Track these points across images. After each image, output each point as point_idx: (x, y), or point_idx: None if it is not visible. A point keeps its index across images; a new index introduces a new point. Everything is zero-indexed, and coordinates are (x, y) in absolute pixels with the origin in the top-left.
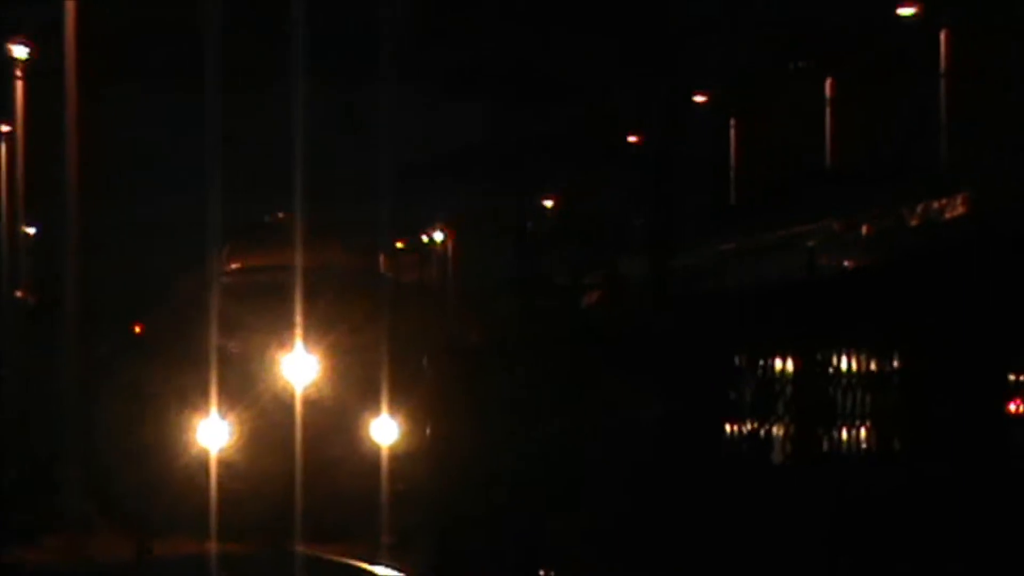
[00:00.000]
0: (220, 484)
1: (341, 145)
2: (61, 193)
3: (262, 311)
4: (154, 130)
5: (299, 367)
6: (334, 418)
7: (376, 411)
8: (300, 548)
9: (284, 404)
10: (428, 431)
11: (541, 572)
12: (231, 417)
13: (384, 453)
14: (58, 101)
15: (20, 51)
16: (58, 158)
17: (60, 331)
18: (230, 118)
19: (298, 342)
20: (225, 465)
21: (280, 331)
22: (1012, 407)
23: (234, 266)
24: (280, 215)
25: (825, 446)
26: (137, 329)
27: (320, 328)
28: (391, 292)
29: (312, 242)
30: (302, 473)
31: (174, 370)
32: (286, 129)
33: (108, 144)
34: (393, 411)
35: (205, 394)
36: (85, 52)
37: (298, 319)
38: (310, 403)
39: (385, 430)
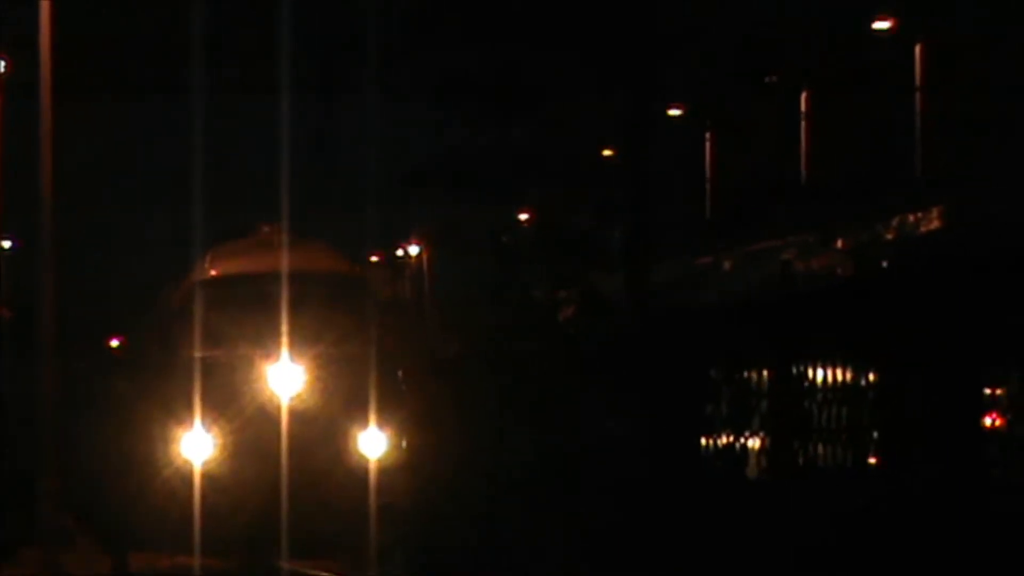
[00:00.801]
0: (203, 497)
1: (313, 158)
2: (36, 206)
3: (245, 319)
4: (129, 142)
5: (284, 377)
6: (320, 430)
7: (363, 423)
8: (284, 563)
9: (269, 415)
10: (405, 443)
11: None
12: (214, 429)
13: (370, 465)
14: (33, 113)
15: None
16: (33, 170)
17: (36, 344)
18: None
19: (283, 351)
20: (208, 478)
21: (264, 340)
22: (987, 420)
23: (215, 273)
24: (264, 226)
25: (801, 460)
26: (115, 342)
27: (306, 337)
28: (376, 301)
29: (296, 247)
30: (287, 486)
31: (154, 382)
32: (258, 140)
33: (85, 156)
34: (380, 423)
35: (187, 406)
36: (60, 64)
37: (283, 328)
38: (295, 414)
39: (372, 442)
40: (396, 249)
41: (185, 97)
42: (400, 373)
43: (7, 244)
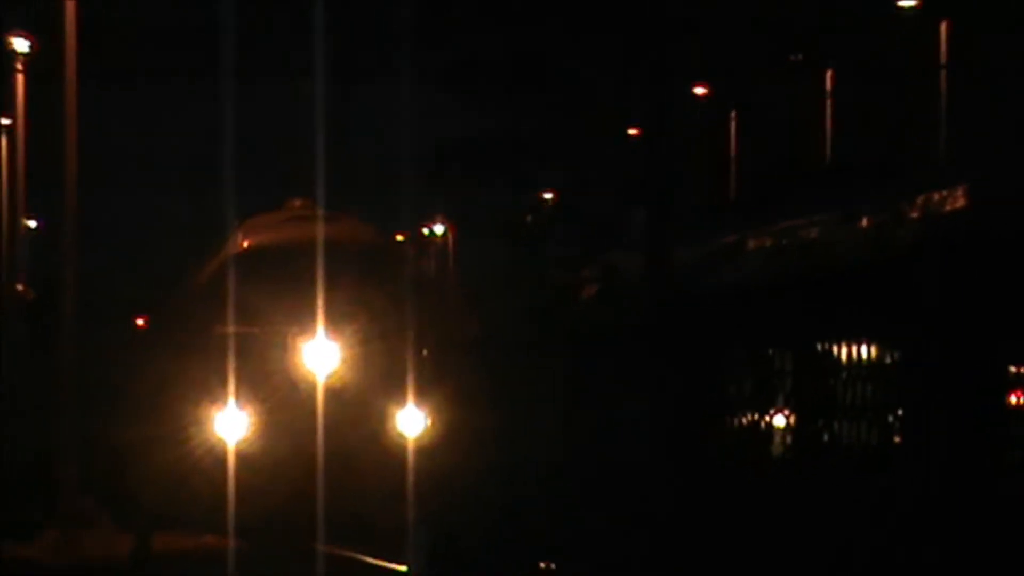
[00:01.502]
0: (237, 477)
1: (339, 140)
2: (61, 186)
3: (279, 293)
4: (153, 125)
5: (320, 354)
6: (357, 408)
7: (401, 401)
8: (320, 545)
9: (304, 393)
10: (429, 425)
11: (542, 565)
12: (247, 407)
13: (409, 445)
14: (58, 94)
15: (21, 44)
16: (58, 151)
17: (58, 323)
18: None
19: (319, 327)
20: (242, 457)
21: (299, 315)
22: (1012, 399)
23: (247, 245)
24: (295, 200)
25: (825, 438)
26: (140, 321)
27: (342, 312)
28: (413, 275)
29: (330, 220)
30: (322, 466)
31: (184, 359)
32: (287, 124)
33: (110, 138)
34: (418, 402)
35: (218, 384)
36: (86, 46)
37: (318, 302)
38: (331, 392)
39: (411, 421)
40: (421, 229)
41: (209, 80)
42: (424, 352)
43: (33, 224)
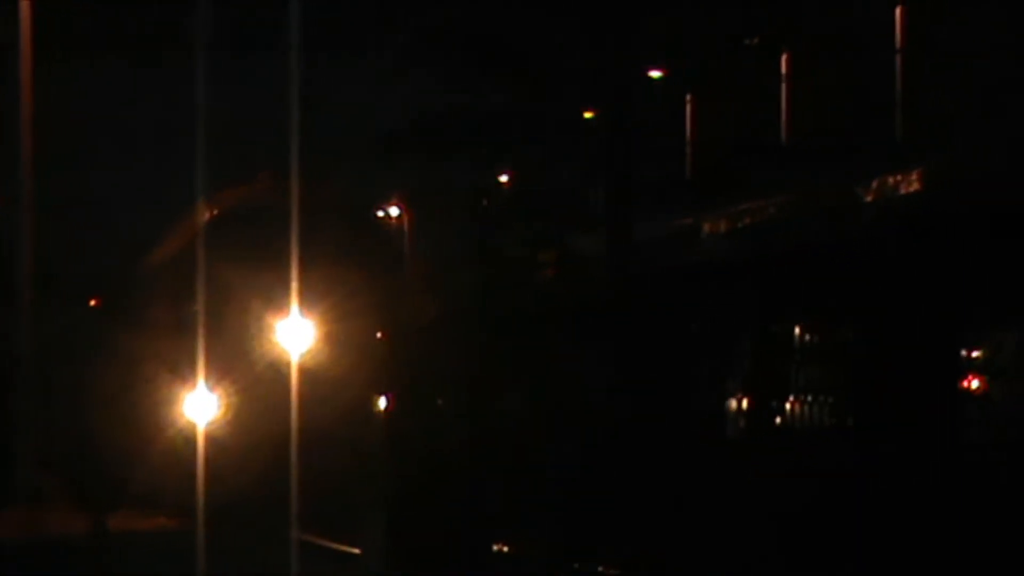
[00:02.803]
0: (207, 460)
1: (289, 119)
2: (16, 165)
3: (250, 267)
4: (113, 100)
5: (294, 333)
6: (332, 389)
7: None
8: (295, 533)
9: (277, 373)
10: (384, 405)
11: (495, 547)
12: (218, 388)
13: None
14: (12, 72)
15: None
16: (13, 130)
17: (14, 301)
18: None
19: (292, 302)
20: (212, 440)
21: (270, 290)
22: (967, 383)
23: (217, 213)
24: (264, 174)
25: (778, 420)
26: (94, 301)
27: (317, 286)
28: (392, 247)
29: (307, 188)
30: (296, 450)
31: (150, 338)
32: (243, 101)
33: (66, 115)
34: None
35: (187, 363)
36: (42, 21)
37: (293, 275)
38: (306, 373)
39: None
40: (376, 211)
41: (165, 56)
42: (379, 334)
43: None
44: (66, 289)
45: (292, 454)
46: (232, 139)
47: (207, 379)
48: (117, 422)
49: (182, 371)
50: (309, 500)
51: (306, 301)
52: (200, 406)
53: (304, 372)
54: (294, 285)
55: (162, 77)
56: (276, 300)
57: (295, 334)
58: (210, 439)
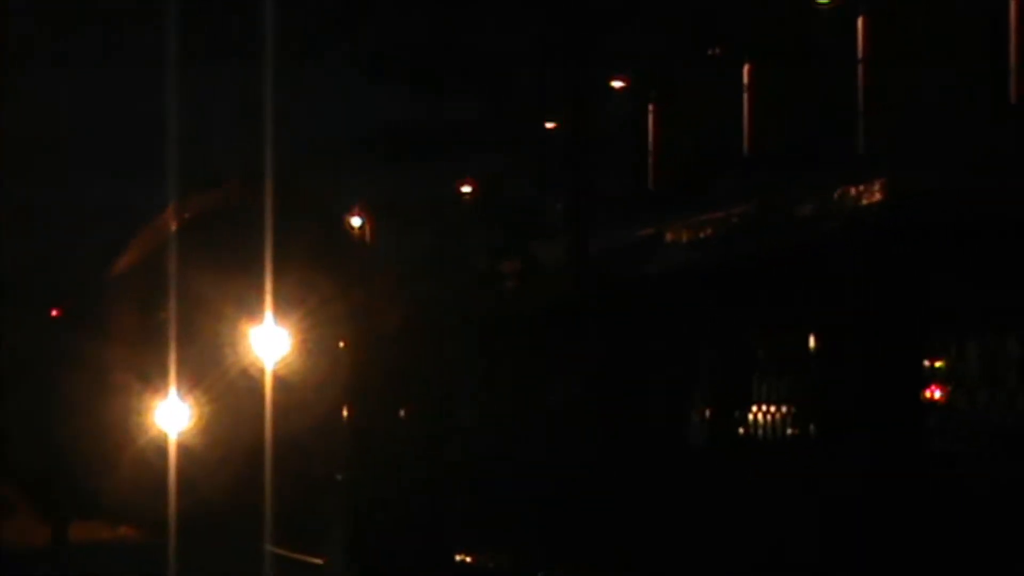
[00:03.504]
0: (178, 470)
1: (245, 129)
2: None
3: (222, 271)
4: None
5: (267, 341)
6: (304, 398)
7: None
8: (267, 546)
9: (250, 382)
10: (347, 416)
11: (458, 557)
12: (189, 397)
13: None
14: None
15: None
16: None
17: None
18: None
19: (266, 312)
20: (184, 449)
21: (243, 296)
22: (930, 393)
23: (188, 217)
24: (231, 181)
25: (741, 431)
26: (55, 312)
27: (290, 292)
28: (362, 252)
29: (281, 193)
30: (269, 461)
31: (113, 347)
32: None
33: (24, 125)
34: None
35: (154, 371)
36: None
37: (267, 283)
38: (279, 382)
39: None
40: (340, 217)
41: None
42: (341, 344)
43: None
44: (26, 299)
45: (267, 464)
46: (195, 147)
47: (179, 387)
48: (81, 431)
49: (152, 379)
50: (278, 510)
51: (280, 307)
52: (172, 415)
53: (278, 380)
54: (267, 291)
55: (123, 86)
56: (248, 306)
57: (269, 341)
58: (182, 448)
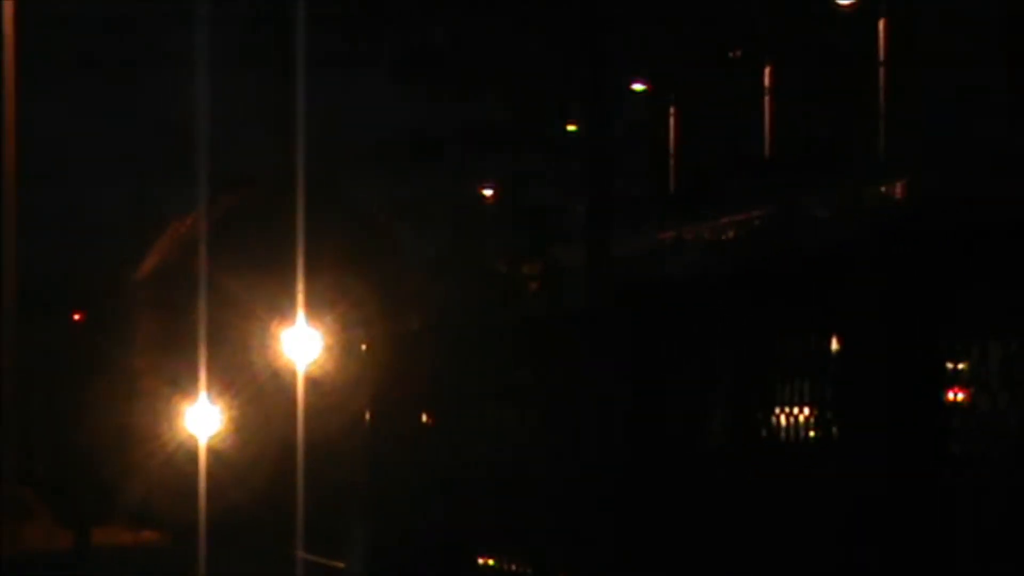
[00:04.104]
0: (209, 476)
1: (268, 133)
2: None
3: (255, 273)
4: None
5: (300, 344)
6: (338, 402)
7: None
8: (300, 552)
9: (280, 386)
10: (368, 419)
11: (480, 561)
12: (219, 401)
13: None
14: None
15: None
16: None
17: None
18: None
19: (298, 313)
20: (214, 454)
21: (277, 297)
22: (952, 395)
23: (224, 211)
24: (264, 177)
25: (764, 433)
26: (77, 315)
27: (324, 295)
28: (400, 257)
29: (316, 192)
30: (302, 465)
31: (136, 352)
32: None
33: (48, 128)
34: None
35: (188, 376)
36: (26, 41)
37: (298, 284)
38: (312, 384)
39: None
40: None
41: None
42: (363, 346)
43: None
44: (48, 303)
45: (298, 469)
46: (219, 150)
47: (208, 391)
48: (103, 436)
49: (181, 383)
50: (306, 515)
51: (312, 308)
52: (202, 419)
53: (310, 383)
54: (299, 292)
55: (141, 94)
56: (279, 307)
57: (301, 343)
58: (211, 452)
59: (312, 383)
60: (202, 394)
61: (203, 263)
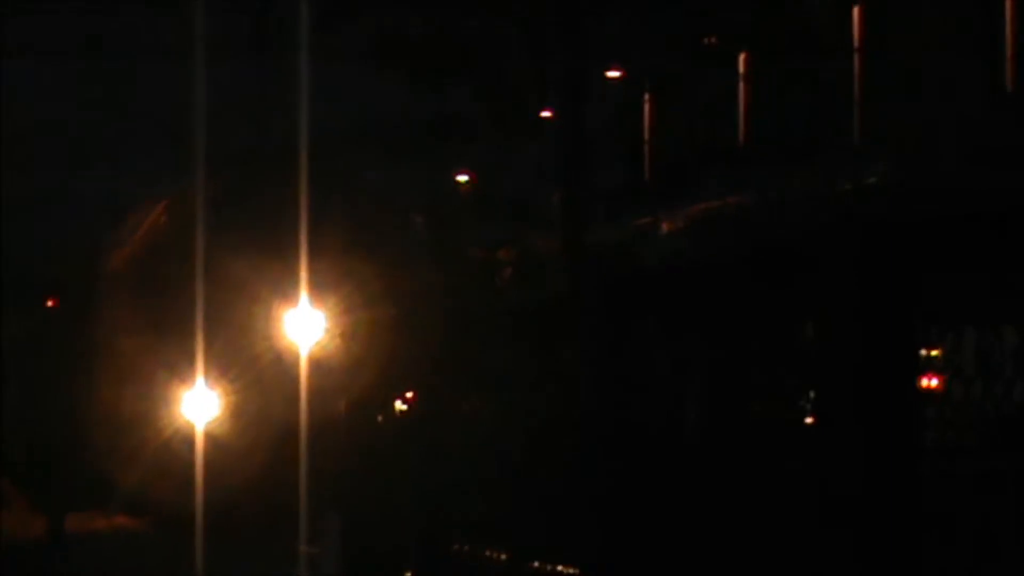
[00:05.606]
0: (206, 462)
1: (243, 120)
2: None
3: (257, 247)
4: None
5: (303, 324)
6: (341, 384)
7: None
8: (303, 546)
9: (282, 368)
10: (344, 407)
11: (455, 547)
12: (218, 386)
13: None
14: None
15: None
16: None
17: None
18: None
19: (301, 295)
20: (211, 440)
21: (278, 277)
22: (925, 382)
23: (223, 188)
24: (266, 153)
25: (737, 419)
26: (51, 302)
27: (327, 276)
28: (411, 236)
29: (322, 170)
30: (305, 452)
31: (140, 334)
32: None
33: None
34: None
35: (184, 359)
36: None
37: (302, 264)
38: (316, 367)
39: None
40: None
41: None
42: (340, 335)
43: None
44: (22, 289)
45: (301, 456)
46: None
47: (206, 375)
48: (79, 422)
49: (174, 367)
50: (292, 501)
51: (315, 289)
52: (198, 404)
53: (311, 367)
54: (301, 273)
55: (119, 76)
56: (279, 288)
57: (304, 326)
58: (208, 439)
59: (317, 367)
60: (199, 378)
61: (200, 244)
